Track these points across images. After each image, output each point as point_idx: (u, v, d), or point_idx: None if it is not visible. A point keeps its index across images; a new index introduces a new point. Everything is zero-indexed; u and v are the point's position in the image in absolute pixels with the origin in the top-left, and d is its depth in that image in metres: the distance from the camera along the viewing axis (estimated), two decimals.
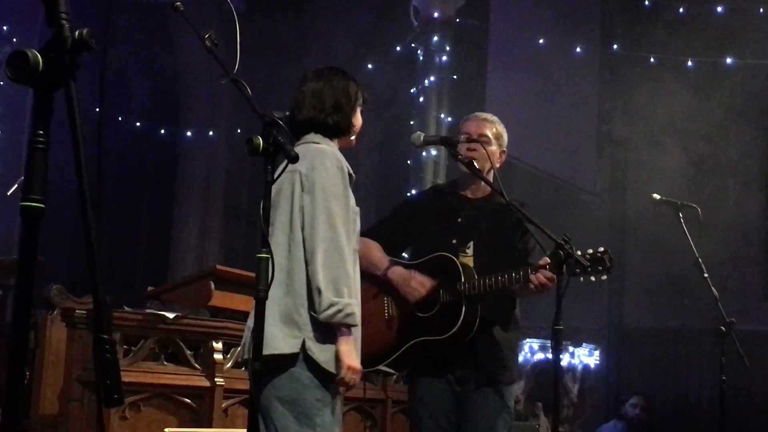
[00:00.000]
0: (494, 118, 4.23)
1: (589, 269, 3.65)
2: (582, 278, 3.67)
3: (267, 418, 3.20)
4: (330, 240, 3.21)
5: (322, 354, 3.21)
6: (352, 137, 3.55)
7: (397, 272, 4.03)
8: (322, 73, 3.50)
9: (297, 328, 3.21)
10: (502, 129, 4.20)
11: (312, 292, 3.20)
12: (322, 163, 3.22)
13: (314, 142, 3.37)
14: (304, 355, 3.21)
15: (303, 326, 3.22)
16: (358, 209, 3.44)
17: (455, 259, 3.95)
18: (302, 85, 3.49)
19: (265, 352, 2.92)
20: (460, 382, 4.01)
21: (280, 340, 3.18)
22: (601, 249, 3.71)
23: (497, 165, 4.14)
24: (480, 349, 3.96)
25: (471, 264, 4.00)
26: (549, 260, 3.72)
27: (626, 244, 10.27)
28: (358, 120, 3.53)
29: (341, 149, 3.51)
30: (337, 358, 3.22)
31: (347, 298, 3.20)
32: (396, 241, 4.20)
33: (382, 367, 4.12)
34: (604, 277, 3.72)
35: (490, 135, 4.12)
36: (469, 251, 4.05)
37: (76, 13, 1.74)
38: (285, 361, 3.19)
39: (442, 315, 3.92)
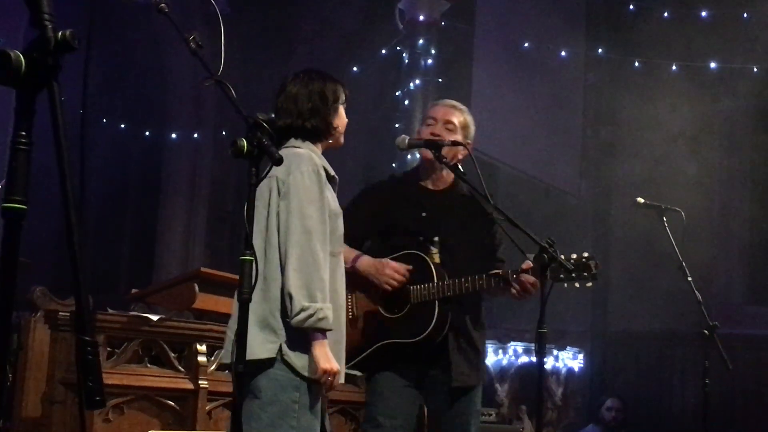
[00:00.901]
0: (463, 107, 4.14)
1: (574, 275, 3.62)
2: (566, 284, 3.64)
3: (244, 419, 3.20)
4: (303, 244, 3.19)
5: (298, 359, 3.21)
6: (339, 137, 3.53)
7: (365, 262, 3.94)
8: (299, 77, 3.49)
9: (273, 333, 3.21)
10: (470, 120, 4.11)
11: (284, 297, 3.19)
12: (297, 168, 3.22)
13: (294, 147, 3.36)
14: (281, 358, 3.21)
15: (279, 331, 3.21)
16: (341, 211, 3.43)
17: (428, 258, 3.89)
18: (281, 90, 3.48)
19: None
20: (425, 380, 3.95)
21: (257, 345, 3.17)
22: (586, 254, 3.67)
23: (459, 157, 4.04)
24: (451, 349, 3.92)
25: (437, 260, 3.93)
26: (532, 264, 3.70)
27: (610, 248, 10.27)
28: (341, 120, 3.51)
29: (329, 149, 3.51)
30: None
31: (320, 303, 3.17)
32: (355, 235, 4.00)
33: (346, 370, 4.07)
34: (590, 284, 3.69)
35: (456, 123, 4.04)
36: (434, 248, 3.97)
37: (59, 14, 1.74)
38: (263, 364, 3.19)
39: (413, 316, 3.85)
